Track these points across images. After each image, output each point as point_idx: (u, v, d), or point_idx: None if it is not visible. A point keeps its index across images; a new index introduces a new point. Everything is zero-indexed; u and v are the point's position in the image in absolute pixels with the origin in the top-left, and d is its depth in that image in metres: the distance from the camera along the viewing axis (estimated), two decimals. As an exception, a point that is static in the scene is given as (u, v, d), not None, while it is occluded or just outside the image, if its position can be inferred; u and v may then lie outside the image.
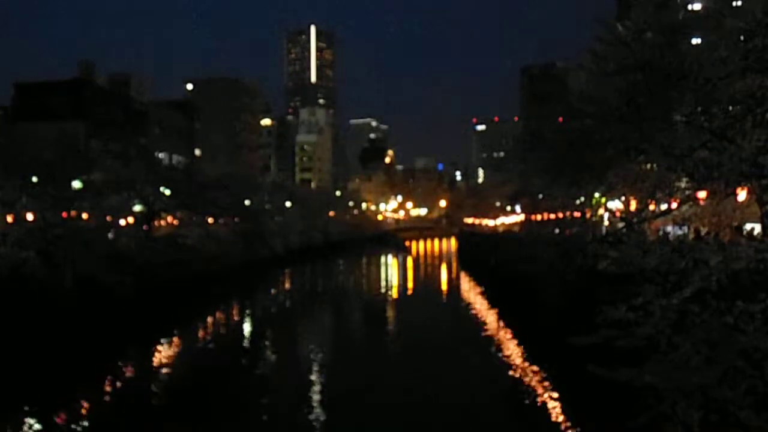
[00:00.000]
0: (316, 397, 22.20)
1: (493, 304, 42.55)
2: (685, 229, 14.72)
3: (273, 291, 58.44)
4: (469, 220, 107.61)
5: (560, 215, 37.70)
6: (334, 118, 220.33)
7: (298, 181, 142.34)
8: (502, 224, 75.79)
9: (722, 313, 10.25)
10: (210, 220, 60.59)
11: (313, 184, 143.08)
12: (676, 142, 13.24)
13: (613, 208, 30.62)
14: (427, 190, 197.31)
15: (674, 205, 14.40)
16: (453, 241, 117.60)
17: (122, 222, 48.42)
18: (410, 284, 63.65)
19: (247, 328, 39.08)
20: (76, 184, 42.99)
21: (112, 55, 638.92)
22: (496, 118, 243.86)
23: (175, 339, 33.27)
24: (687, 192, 13.57)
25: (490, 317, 38.40)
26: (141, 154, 64.10)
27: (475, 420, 19.49)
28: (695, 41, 16.38)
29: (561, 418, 18.81)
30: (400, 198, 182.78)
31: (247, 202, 70.18)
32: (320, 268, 76.22)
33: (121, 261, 39.01)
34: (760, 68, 11.53)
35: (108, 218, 45.35)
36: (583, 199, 32.47)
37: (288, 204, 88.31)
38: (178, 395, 23.04)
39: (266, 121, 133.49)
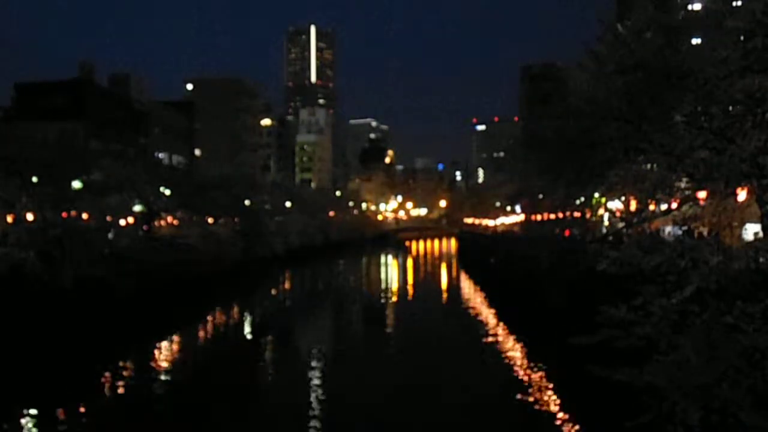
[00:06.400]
0: (315, 404, 22.11)
1: (493, 304, 42.57)
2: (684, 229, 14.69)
3: (273, 291, 58.47)
4: (469, 220, 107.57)
5: (560, 215, 37.69)
6: (334, 118, 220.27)
7: (298, 181, 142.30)
8: (502, 224, 75.79)
9: (722, 313, 10.24)
10: (210, 220, 60.61)
11: (313, 184, 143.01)
12: (676, 142, 13.22)
13: (613, 208, 30.60)
14: (427, 190, 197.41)
15: (674, 205, 14.39)
16: (453, 241, 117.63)
17: (122, 222, 48.41)
18: (410, 285, 63.64)
19: (247, 329, 39.07)
20: (76, 184, 42.94)
21: (112, 55, 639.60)
22: (496, 118, 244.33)
23: (176, 340, 33.27)
24: (687, 192, 13.56)
25: (490, 317, 38.41)
26: (141, 154, 64.15)
27: (474, 419, 19.48)
28: (695, 41, 16.35)
29: (561, 417, 18.81)
30: (400, 198, 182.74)
31: (247, 202, 70.16)
32: (320, 269, 76.22)
33: (121, 261, 39.01)
34: (760, 68, 11.51)
35: (108, 218, 45.33)
36: (583, 199, 32.43)
37: (288, 204, 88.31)
38: (179, 397, 23.04)
39: (266, 121, 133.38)
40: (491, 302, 43.23)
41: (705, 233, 13.36)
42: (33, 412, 20.25)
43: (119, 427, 19.43)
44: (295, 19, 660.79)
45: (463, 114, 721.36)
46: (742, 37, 11.82)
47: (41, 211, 38.15)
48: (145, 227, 50.76)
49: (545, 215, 43.13)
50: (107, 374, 25.25)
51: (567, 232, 35.05)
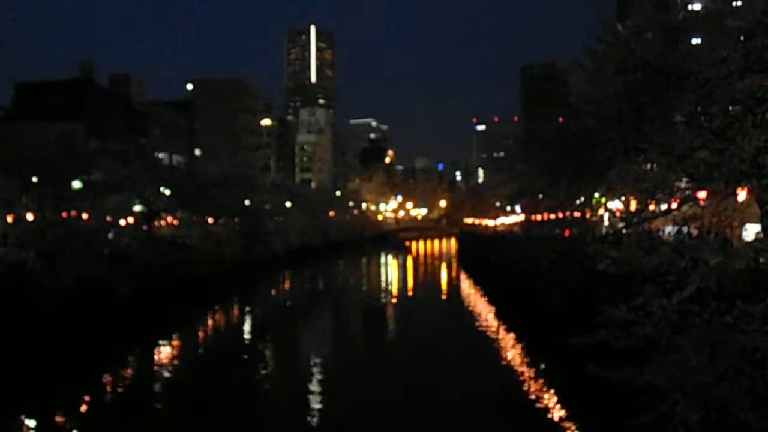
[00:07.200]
0: (313, 403, 22.07)
1: (493, 304, 42.56)
2: (684, 229, 14.71)
3: (273, 292, 58.49)
4: (469, 220, 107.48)
5: (560, 215, 37.62)
6: (334, 118, 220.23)
7: (298, 181, 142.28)
8: (502, 224, 75.69)
9: (722, 313, 10.24)
10: (210, 220, 60.61)
11: (313, 184, 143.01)
12: (676, 142, 13.21)
13: (613, 208, 30.53)
14: (427, 190, 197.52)
15: (674, 205, 14.38)
16: (453, 241, 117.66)
17: (122, 222, 48.41)
18: (410, 284, 63.66)
19: (247, 330, 39.02)
20: (76, 184, 42.95)
21: (112, 55, 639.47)
22: (496, 118, 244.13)
23: (176, 340, 33.26)
24: (687, 192, 13.55)
25: (490, 318, 38.42)
26: (141, 154, 64.11)
27: (475, 419, 19.47)
28: (695, 41, 16.34)
29: (561, 417, 18.80)
30: (400, 198, 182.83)
31: (247, 202, 70.18)
32: (320, 269, 76.23)
33: (121, 261, 39.00)
34: (760, 68, 11.51)
35: (108, 218, 45.34)
36: (583, 199, 32.40)
37: (288, 204, 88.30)
38: (180, 397, 23.03)
39: (266, 121, 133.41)
40: (491, 302, 43.22)
41: (704, 233, 13.37)
42: (34, 410, 20.25)
43: (120, 426, 19.44)
44: (295, 19, 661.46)
45: (463, 114, 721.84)
46: (742, 37, 11.82)
47: (41, 211, 38.14)
48: (145, 227, 50.73)
49: (545, 215, 43.03)
50: (108, 373, 25.25)
51: (567, 232, 34.98)
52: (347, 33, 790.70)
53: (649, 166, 16.28)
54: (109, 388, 24.11)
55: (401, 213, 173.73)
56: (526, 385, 22.68)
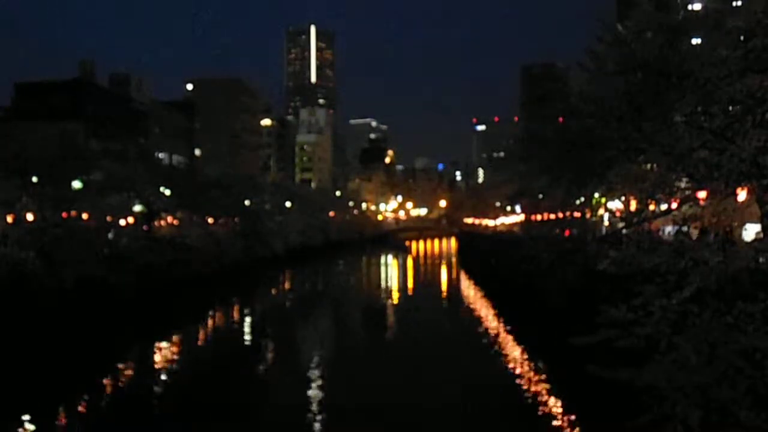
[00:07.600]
0: (311, 402, 22.06)
1: (493, 304, 42.55)
2: (684, 229, 14.70)
3: (273, 291, 58.46)
4: (469, 220, 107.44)
5: (560, 215, 37.60)
6: (334, 118, 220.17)
7: (298, 181, 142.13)
8: (502, 224, 75.69)
9: (722, 313, 10.24)
10: (210, 220, 60.61)
11: (313, 184, 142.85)
12: (676, 142, 13.21)
13: (613, 208, 30.53)
14: (427, 190, 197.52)
15: (674, 205, 14.38)
16: (453, 241, 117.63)
17: (122, 222, 48.42)
18: (410, 284, 63.63)
19: (247, 330, 38.95)
20: (76, 184, 42.96)
21: (112, 55, 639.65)
22: (496, 118, 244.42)
23: (175, 339, 33.23)
24: (687, 192, 13.55)
25: (491, 318, 38.40)
26: (141, 154, 64.17)
27: (476, 420, 19.47)
28: (695, 41, 16.33)
29: (561, 417, 18.80)
30: (400, 198, 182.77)
31: (247, 202, 70.18)
32: (320, 269, 76.19)
33: (121, 261, 39.03)
34: (760, 68, 11.51)
35: (108, 218, 45.35)
36: (583, 199, 32.39)
37: (288, 204, 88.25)
38: (178, 396, 23.02)
39: (266, 121, 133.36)
40: (491, 302, 43.22)
41: (704, 233, 13.37)
42: (35, 410, 20.25)
43: (118, 424, 19.45)
44: (295, 19, 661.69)
45: (463, 114, 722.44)
46: (742, 37, 11.83)
47: (41, 211, 38.12)
48: (145, 227, 50.74)
49: (545, 215, 43.03)
50: (107, 372, 25.24)
51: (567, 232, 34.98)
52: (347, 33, 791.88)
53: (649, 166, 16.28)
54: (108, 387, 24.09)
55: (401, 213, 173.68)
56: (526, 385, 22.68)
